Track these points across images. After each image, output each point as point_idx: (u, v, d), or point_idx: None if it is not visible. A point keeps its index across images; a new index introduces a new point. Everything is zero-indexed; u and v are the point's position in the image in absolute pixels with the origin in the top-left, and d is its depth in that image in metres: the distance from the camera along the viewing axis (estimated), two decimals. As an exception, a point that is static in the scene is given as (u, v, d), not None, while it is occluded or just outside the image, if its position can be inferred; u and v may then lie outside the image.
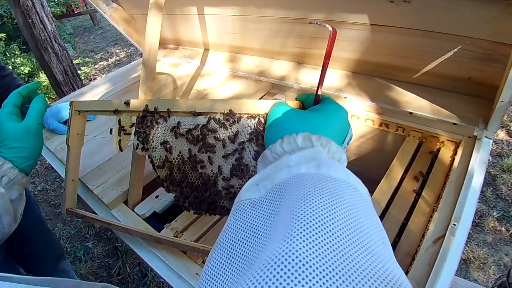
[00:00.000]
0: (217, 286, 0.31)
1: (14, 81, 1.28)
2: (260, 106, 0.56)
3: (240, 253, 0.32)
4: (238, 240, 0.33)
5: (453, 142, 0.90)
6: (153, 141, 0.68)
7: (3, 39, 4.64)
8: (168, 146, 0.66)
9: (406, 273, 0.63)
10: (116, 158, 1.02)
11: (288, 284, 0.22)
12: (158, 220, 0.85)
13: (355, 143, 1.11)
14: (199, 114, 0.62)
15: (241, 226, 0.34)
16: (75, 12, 6.44)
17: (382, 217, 0.75)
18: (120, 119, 0.74)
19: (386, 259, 0.26)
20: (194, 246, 0.69)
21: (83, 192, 0.96)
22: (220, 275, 0.32)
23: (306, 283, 0.22)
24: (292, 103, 0.54)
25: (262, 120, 0.55)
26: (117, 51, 5.48)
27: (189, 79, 1.37)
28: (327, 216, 0.28)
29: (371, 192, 0.81)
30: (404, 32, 0.87)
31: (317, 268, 0.23)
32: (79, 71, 4.20)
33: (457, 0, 0.72)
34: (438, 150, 0.90)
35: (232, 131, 0.58)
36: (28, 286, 0.40)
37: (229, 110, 0.59)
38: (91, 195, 0.94)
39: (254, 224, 0.33)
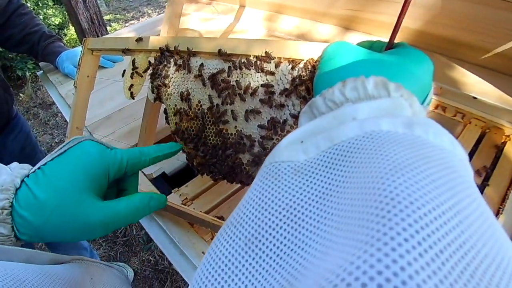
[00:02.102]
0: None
1: (32, 21, 1.20)
2: (307, 50, 0.43)
3: (272, 243, 0.20)
4: (269, 220, 0.21)
5: (522, 137, 0.76)
6: (169, 87, 0.56)
7: (37, -13, 4.62)
8: (186, 93, 0.54)
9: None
10: (129, 109, 0.92)
11: None
12: (166, 182, 0.74)
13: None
14: (229, 56, 0.50)
15: (274, 200, 0.22)
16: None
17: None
18: (135, 59, 0.63)
19: None
20: (204, 219, 0.57)
21: (88, 142, 0.86)
22: (231, 269, 0.20)
23: None
24: None
25: (309, 67, 0.42)
26: (149, 11, 5.39)
27: (220, 34, 1.24)
28: (453, 206, 0.16)
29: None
30: (484, 1, 0.73)
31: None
32: (109, 28, 4.13)
33: None
34: (504, 144, 0.76)
35: (267, 79, 0.46)
36: None
37: (265, 52, 0.46)
38: (96, 146, 0.84)
39: (297, 200, 0.21)
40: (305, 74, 0.42)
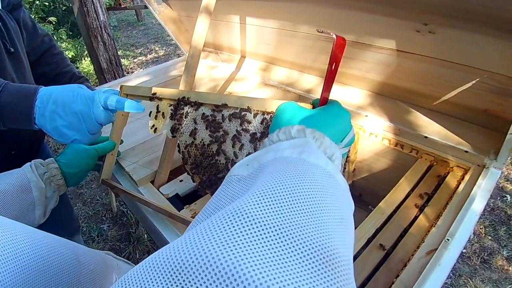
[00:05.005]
0: None
1: (63, 61, 1.30)
2: (273, 105, 0.62)
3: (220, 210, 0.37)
4: (218, 206, 0.36)
5: (462, 168, 0.94)
6: (182, 127, 0.76)
7: (53, 22, 4.90)
8: (193, 132, 0.74)
9: (397, 276, 0.69)
10: (149, 142, 1.12)
11: (229, 231, 0.26)
12: (179, 201, 0.94)
13: (370, 160, 1.16)
14: (225, 107, 0.69)
15: (222, 196, 0.37)
16: (122, 6, 6.64)
17: (383, 225, 0.81)
18: (158, 105, 0.82)
19: (333, 234, 0.28)
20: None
21: (116, 169, 1.06)
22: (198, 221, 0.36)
23: (246, 233, 0.25)
24: (305, 105, 0.58)
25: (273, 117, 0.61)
26: (157, 48, 5.66)
27: (223, 82, 1.47)
28: (288, 188, 0.31)
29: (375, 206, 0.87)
30: (427, 60, 0.92)
31: (259, 222, 0.26)
32: (118, 63, 4.41)
33: (480, 36, 0.78)
34: (446, 174, 0.94)
35: (248, 125, 0.65)
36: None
37: (247, 106, 0.65)
38: (123, 172, 1.04)
39: (233, 195, 0.36)
40: (271, 122, 0.62)
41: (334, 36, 0.49)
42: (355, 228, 0.81)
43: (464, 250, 1.96)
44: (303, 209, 0.29)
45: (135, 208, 1.04)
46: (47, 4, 5.05)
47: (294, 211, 0.28)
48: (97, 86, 2.59)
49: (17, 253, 0.39)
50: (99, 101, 0.74)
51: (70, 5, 3.11)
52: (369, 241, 0.78)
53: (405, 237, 0.78)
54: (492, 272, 1.87)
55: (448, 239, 0.72)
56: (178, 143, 0.78)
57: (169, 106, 0.79)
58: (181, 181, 0.98)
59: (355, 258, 0.75)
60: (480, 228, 2.11)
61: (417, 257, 0.71)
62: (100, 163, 0.95)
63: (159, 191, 0.96)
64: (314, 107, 0.57)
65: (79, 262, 0.51)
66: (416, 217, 0.83)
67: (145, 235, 2.25)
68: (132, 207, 1.19)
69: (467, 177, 0.89)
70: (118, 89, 0.90)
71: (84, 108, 0.72)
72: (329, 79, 0.53)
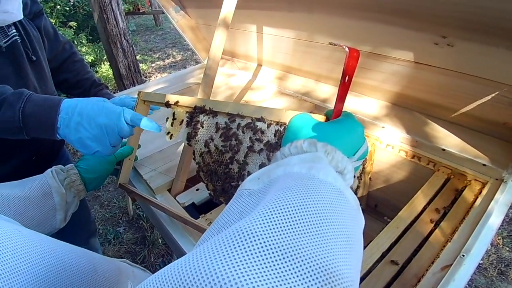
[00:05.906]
0: None
1: (83, 68, 1.34)
2: (287, 116, 0.61)
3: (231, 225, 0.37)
4: (228, 221, 0.37)
5: (479, 182, 0.93)
6: (197, 135, 0.76)
7: (74, 27, 5.01)
8: (209, 141, 0.74)
9: (411, 292, 0.69)
10: (167, 150, 1.14)
11: (234, 252, 0.26)
12: (195, 210, 0.95)
13: (386, 171, 1.16)
14: (239, 116, 0.69)
15: (234, 210, 0.38)
16: (140, 11, 6.76)
17: (398, 239, 0.81)
18: (175, 112, 0.83)
19: (337, 254, 0.28)
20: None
21: (134, 177, 1.08)
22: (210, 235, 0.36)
23: (251, 253, 0.26)
24: (318, 117, 0.56)
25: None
26: (174, 53, 5.72)
27: (240, 90, 1.48)
28: (294, 206, 0.31)
29: (392, 218, 0.87)
30: (446, 72, 0.92)
31: (264, 242, 0.27)
32: (136, 67, 4.47)
33: (499, 49, 0.77)
34: (464, 188, 0.93)
35: (261, 135, 0.65)
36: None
37: (261, 116, 0.65)
38: (140, 180, 1.06)
39: (243, 209, 0.37)
40: (284, 133, 0.61)
41: (347, 49, 0.49)
42: (371, 241, 0.81)
43: (481, 261, 1.93)
44: (308, 229, 0.30)
45: (151, 214, 1.06)
46: (67, 9, 5.17)
47: (298, 230, 0.29)
48: (116, 92, 2.64)
49: (36, 262, 0.41)
50: (124, 116, 0.76)
51: (90, 10, 3.18)
52: (383, 255, 0.78)
53: (420, 251, 0.77)
54: (509, 284, 1.83)
55: (463, 255, 0.71)
56: (193, 151, 0.79)
57: (185, 114, 0.80)
58: (197, 190, 0.99)
59: (369, 271, 0.75)
60: (498, 239, 2.07)
61: (431, 273, 0.71)
62: (118, 167, 0.97)
63: (175, 199, 0.97)
64: (327, 119, 0.57)
65: (96, 270, 0.53)
66: (431, 232, 0.82)
67: (160, 239, 2.27)
68: (148, 213, 1.21)
69: (484, 191, 0.88)
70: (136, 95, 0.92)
71: (108, 121, 0.74)
72: (343, 91, 0.52)
